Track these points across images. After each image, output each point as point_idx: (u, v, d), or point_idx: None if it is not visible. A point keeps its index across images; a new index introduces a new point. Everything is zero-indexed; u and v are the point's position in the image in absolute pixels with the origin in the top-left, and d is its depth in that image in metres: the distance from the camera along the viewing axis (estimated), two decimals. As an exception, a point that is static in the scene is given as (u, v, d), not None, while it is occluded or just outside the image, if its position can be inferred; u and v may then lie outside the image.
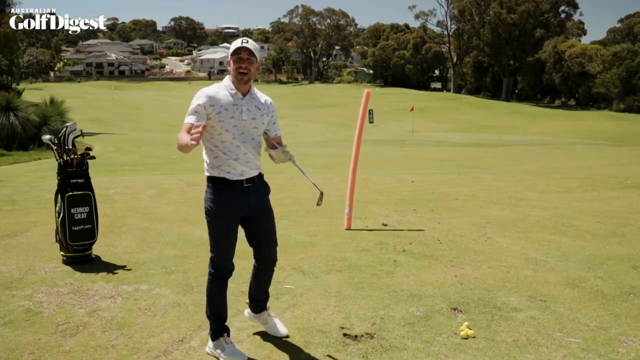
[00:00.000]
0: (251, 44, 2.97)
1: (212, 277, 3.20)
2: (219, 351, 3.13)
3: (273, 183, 3.50)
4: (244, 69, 2.97)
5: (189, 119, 2.96)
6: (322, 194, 3.22)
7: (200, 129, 2.67)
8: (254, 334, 3.47)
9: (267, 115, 3.13)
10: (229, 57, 3.03)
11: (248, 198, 3.09)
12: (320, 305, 3.92)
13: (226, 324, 3.25)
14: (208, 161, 3.08)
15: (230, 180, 3.04)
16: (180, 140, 2.86)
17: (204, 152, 3.11)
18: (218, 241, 3.13)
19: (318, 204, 3.24)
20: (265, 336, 3.44)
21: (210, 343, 3.20)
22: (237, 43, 2.99)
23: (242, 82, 3.01)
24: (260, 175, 3.18)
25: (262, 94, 3.18)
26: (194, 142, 2.65)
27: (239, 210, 3.09)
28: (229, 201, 3.04)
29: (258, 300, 3.44)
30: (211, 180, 3.08)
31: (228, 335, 3.21)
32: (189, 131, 2.87)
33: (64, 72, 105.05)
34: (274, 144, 3.18)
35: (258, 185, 3.14)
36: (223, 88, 3.05)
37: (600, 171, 13.11)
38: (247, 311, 3.52)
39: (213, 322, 3.21)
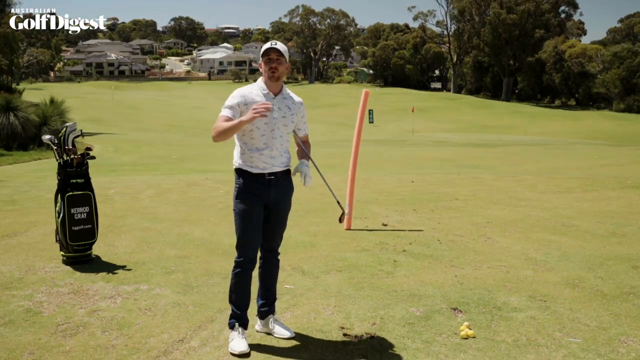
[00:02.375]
0: (280, 46, 3.20)
1: (235, 265, 3.34)
2: (229, 340, 3.26)
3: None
4: (274, 68, 3.19)
5: (225, 112, 3.19)
6: (343, 212, 3.52)
7: (267, 106, 2.97)
8: (254, 333, 3.47)
9: (297, 114, 3.35)
10: (260, 59, 3.24)
11: (269, 189, 3.26)
12: (320, 305, 3.92)
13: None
14: (236, 155, 3.30)
15: (252, 173, 3.24)
16: (221, 127, 3.10)
17: (235, 147, 3.32)
18: (240, 227, 3.27)
19: (340, 221, 3.60)
20: (265, 336, 3.44)
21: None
22: (266, 45, 3.22)
23: (273, 80, 3.22)
24: (286, 172, 3.34)
25: (294, 94, 3.39)
26: (256, 115, 2.95)
27: (260, 197, 3.25)
28: (251, 189, 3.24)
29: (264, 299, 3.47)
30: (237, 171, 3.30)
31: (243, 327, 3.31)
32: (226, 122, 3.13)
33: (64, 72, 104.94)
34: (305, 153, 3.42)
35: (281, 180, 3.30)
36: (256, 88, 3.28)
37: (600, 171, 13.11)
38: (257, 324, 3.55)
39: (231, 310, 3.35)
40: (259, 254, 3.41)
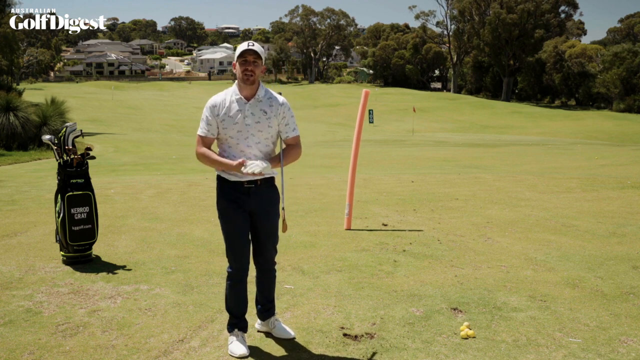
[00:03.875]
0: (257, 47, 3.05)
1: (227, 276, 3.30)
2: (229, 343, 3.25)
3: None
4: (249, 72, 3.05)
5: (200, 131, 3.16)
6: (284, 220, 3.26)
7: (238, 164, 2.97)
8: (254, 334, 3.47)
9: (275, 117, 3.15)
10: (235, 60, 3.09)
11: (249, 198, 3.16)
12: (320, 305, 3.92)
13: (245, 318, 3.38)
14: None
15: (229, 180, 3.16)
16: (205, 156, 3.14)
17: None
18: (225, 236, 3.23)
19: (283, 231, 3.30)
20: (265, 336, 3.44)
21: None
22: (243, 46, 3.06)
23: (248, 84, 3.08)
24: (267, 180, 3.20)
25: (276, 95, 3.20)
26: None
27: (241, 205, 3.16)
28: (229, 197, 3.16)
29: (262, 305, 3.45)
30: (217, 179, 3.25)
31: (242, 331, 3.30)
32: (204, 144, 3.15)
33: (64, 72, 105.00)
34: (278, 158, 3.18)
35: (262, 188, 3.18)
36: (230, 94, 3.15)
37: (600, 171, 13.10)
38: (257, 323, 3.55)
39: (229, 316, 3.34)
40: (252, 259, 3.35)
